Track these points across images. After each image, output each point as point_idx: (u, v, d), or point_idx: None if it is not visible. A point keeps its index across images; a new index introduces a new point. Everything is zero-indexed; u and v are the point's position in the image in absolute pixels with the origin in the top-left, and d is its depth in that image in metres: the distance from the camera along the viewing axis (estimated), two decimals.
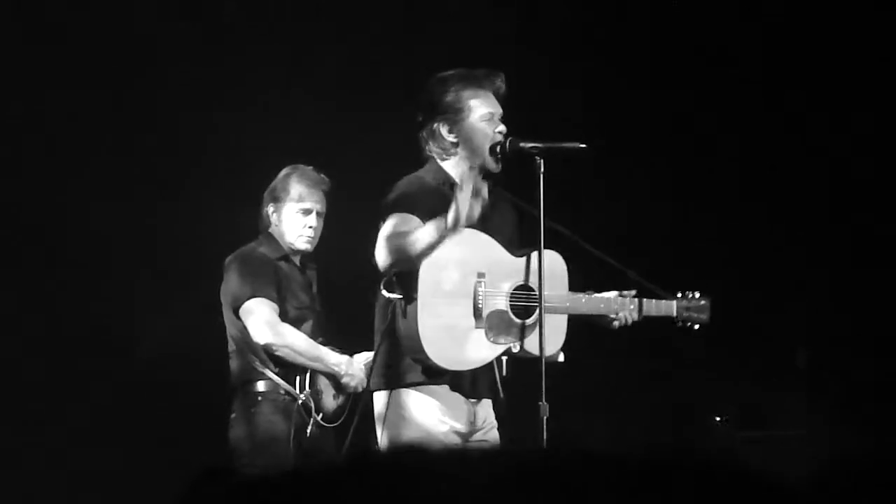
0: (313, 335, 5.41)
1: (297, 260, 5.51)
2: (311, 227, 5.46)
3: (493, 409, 4.68)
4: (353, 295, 4.98)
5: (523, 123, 4.67)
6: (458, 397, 4.55)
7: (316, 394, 5.36)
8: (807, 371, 6.84)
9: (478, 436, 4.62)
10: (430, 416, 4.51)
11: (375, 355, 4.60)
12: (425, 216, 4.40)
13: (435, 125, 4.62)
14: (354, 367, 5.38)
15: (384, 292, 4.48)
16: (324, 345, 5.41)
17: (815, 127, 6.92)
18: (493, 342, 4.52)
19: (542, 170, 4.48)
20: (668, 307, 4.84)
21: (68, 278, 6.38)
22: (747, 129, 6.95)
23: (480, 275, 4.51)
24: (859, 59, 6.85)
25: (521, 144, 4.55)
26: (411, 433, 4.48)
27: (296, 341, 5.32)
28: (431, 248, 4.37)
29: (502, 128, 4.62)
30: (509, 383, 4.59)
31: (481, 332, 4.50)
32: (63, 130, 6.33)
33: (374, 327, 4.63)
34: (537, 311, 4.48)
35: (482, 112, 4.61)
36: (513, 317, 4.55)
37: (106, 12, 6.33)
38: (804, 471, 1.90)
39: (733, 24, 6.94)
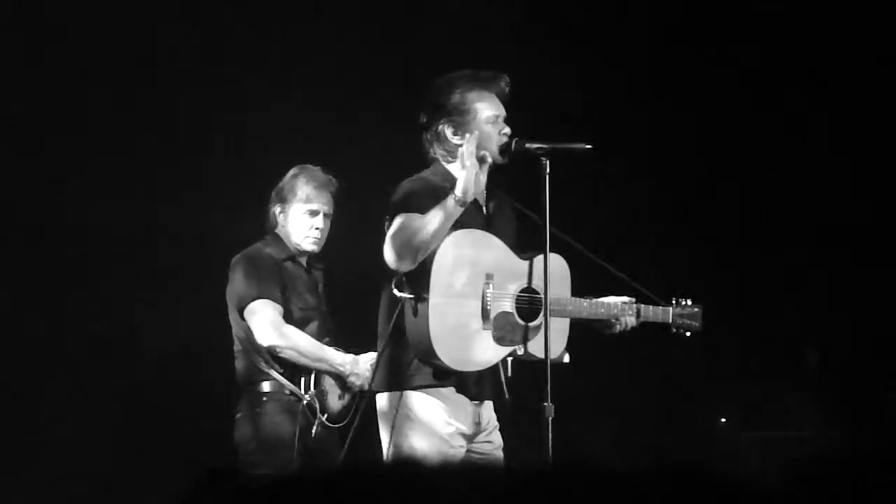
0: (319, 336, 5.39)
1: (303, 261, 5.49)
2: (317, 228, 5.44)
3: (498, 410, 4.68)
4: (359, 296, 4.97)
5: (523, 124, 4.67)
6: (462, 399, 4.54)
7: (321, 394, 5.34)
8: (818, 371, 6.85)
9: (482, 437, 4.61)
10: (437, 417, 4.50)
11: (380, 356, 4.59)
12: None
13: (440, 127, 4.61)
14: (360, 366, 5.37)
15: (395, 291, 4.46)
16: (329, 345, 5.40)
17: (815, 127, 6.93)
18: (499, 344, 4.53)
19: (548, 170, 4.49)
20: (665, 314, 4.85)
21: (68, 278, 6.37)
22: (747, 130, 6.95)
23: (489, 276, 4.51)
24: (859, 59, 6.86)
25: (528, 145, 4.55)
26: (418, 435, 4.48)
27: (300, 343, 5.31)
28: (442, 229, 4.36)
29: (508, 129, 4.61)
30: (513, 385, 4.59)
31: (488, 333, 4.50)
32: (70, 130, 6.31)
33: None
34: (541, 313, 4.49)
35: (488, 114, 4.60)
36: (518, 319, 4.55)
37: (107, 12, 6.31)
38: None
39: (733, 23, 6.94)
